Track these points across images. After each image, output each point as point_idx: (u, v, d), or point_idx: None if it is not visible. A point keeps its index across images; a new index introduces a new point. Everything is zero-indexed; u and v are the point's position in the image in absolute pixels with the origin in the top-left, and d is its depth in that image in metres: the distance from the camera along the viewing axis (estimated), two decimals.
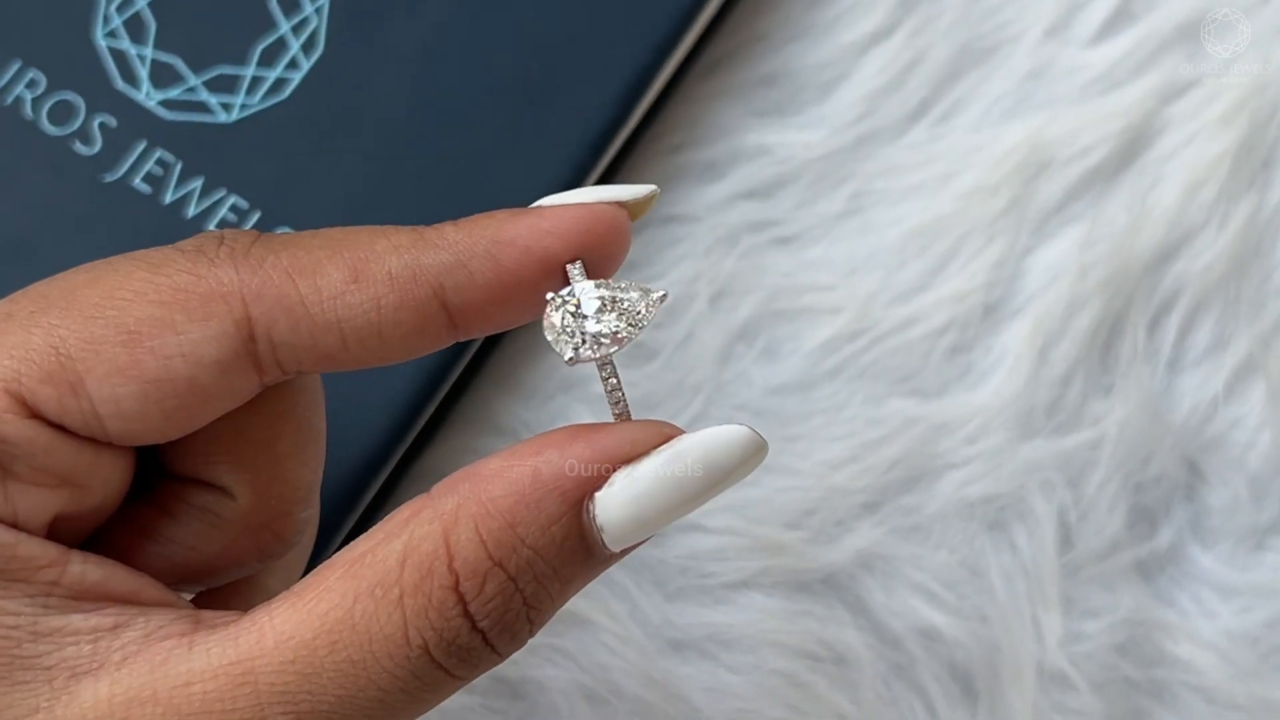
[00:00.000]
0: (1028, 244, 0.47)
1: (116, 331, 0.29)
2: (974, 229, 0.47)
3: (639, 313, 0.29)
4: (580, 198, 0.31)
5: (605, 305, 0.29)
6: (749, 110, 0.48)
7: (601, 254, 0.30)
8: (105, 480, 0.30)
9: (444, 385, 0.44)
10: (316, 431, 0.34)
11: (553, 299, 0.30)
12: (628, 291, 0.29)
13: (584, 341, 0.29)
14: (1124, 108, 0.47)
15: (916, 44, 0.48)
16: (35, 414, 0.29)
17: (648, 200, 0.31)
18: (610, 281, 0.30)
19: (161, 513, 0.32)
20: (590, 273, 0.30)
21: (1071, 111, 0.47)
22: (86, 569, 0.29)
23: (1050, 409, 0.46)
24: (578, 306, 0.29)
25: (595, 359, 0.29)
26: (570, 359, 0.29)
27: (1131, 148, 0.47)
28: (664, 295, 0.30)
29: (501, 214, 0.31)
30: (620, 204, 0.31)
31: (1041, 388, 0.46)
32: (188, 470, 0.32)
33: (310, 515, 0.34)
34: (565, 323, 0.29)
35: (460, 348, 0.43)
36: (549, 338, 0.29)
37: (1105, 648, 0.45)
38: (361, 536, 0.29)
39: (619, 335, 0.29)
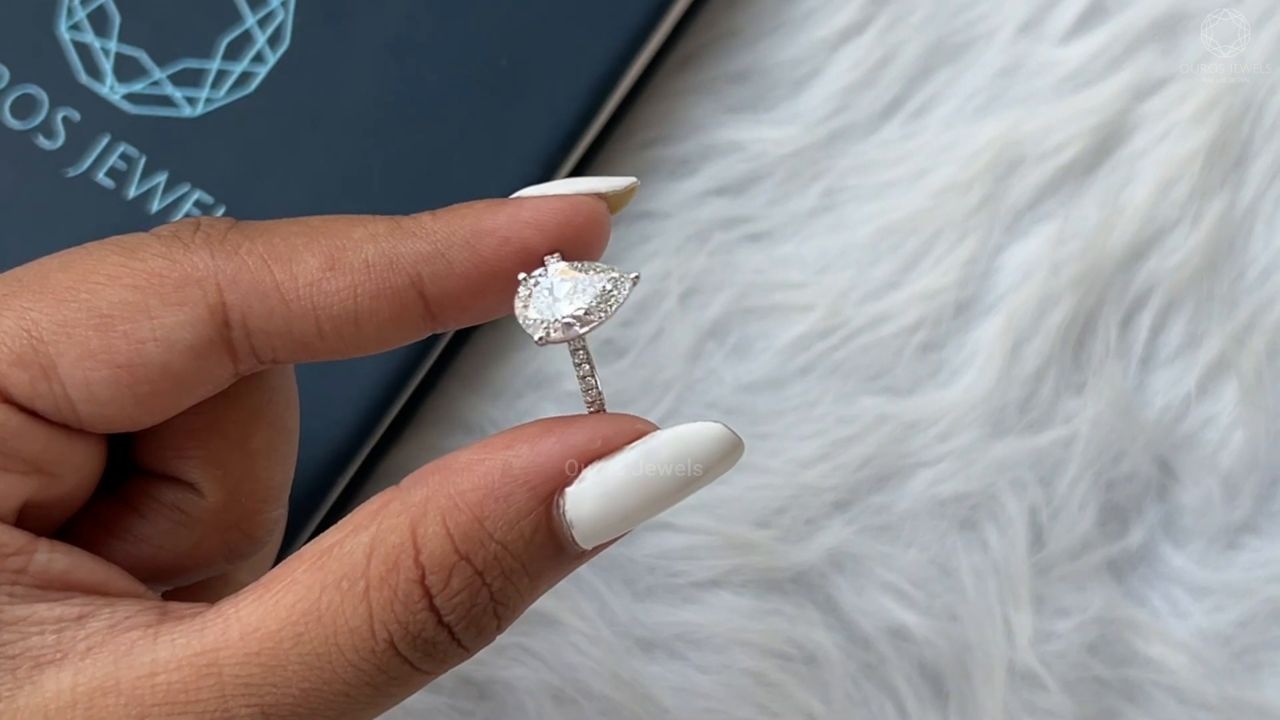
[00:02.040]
0: (1000, 241, 0.47)
1: (89, 315, 0.29)
2: (946, 226, 0.46)
3: (611, 294, 0.29)
4: (560, 189, 0.31)
5: (577, 287, 0.29)
6: (721, 106, 0.48)
7: (580, 246, 0.30)
8: (76, 468, 0.30)
9: (411, 383, 0.43)
10: (289, 430, 0.33)
11: (525, 279, 0.29)
12: (600, 273, 0.29)
13: (555, 322, 0.29)
14: (1097, 105, 0.47)
15: (889, 40, 0.48)
16: (6, 398, 0.28)
17: (628, 192, 0.31)
18: (584, 263, 0.30)
19: (130, 509, 0.32)
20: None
21: (1044, 108, 0.47)
22: (54, 557, 0.28)
23: (1022, 407, 0.46)
24: (550, 288, 0.29)
25: (566, 339, 0.29)
26: (541, 339, 0.29)
27: (1104, 145, 0.47)
28: (636, 277, 0.29)
29: (480, 204, 0.30)
30: (600, 196, 0.31)
31: (1013, 385, 0.46)
32: (158, 465, 0.32)
33: (280, 515, 0.34)
34: (536, 303, 0.29)
35: (427, 345, 0.43)
36: (519, 318, 0.29)
37: (1076, 647, 0.44)
38: (330, 529, 0.28)
39: (589, 316, 0.29)
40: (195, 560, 0.32)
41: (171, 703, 0.27)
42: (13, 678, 0.27)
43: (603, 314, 0.29)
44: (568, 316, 0.29)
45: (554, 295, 0.29)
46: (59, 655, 0.27)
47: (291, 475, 0.34)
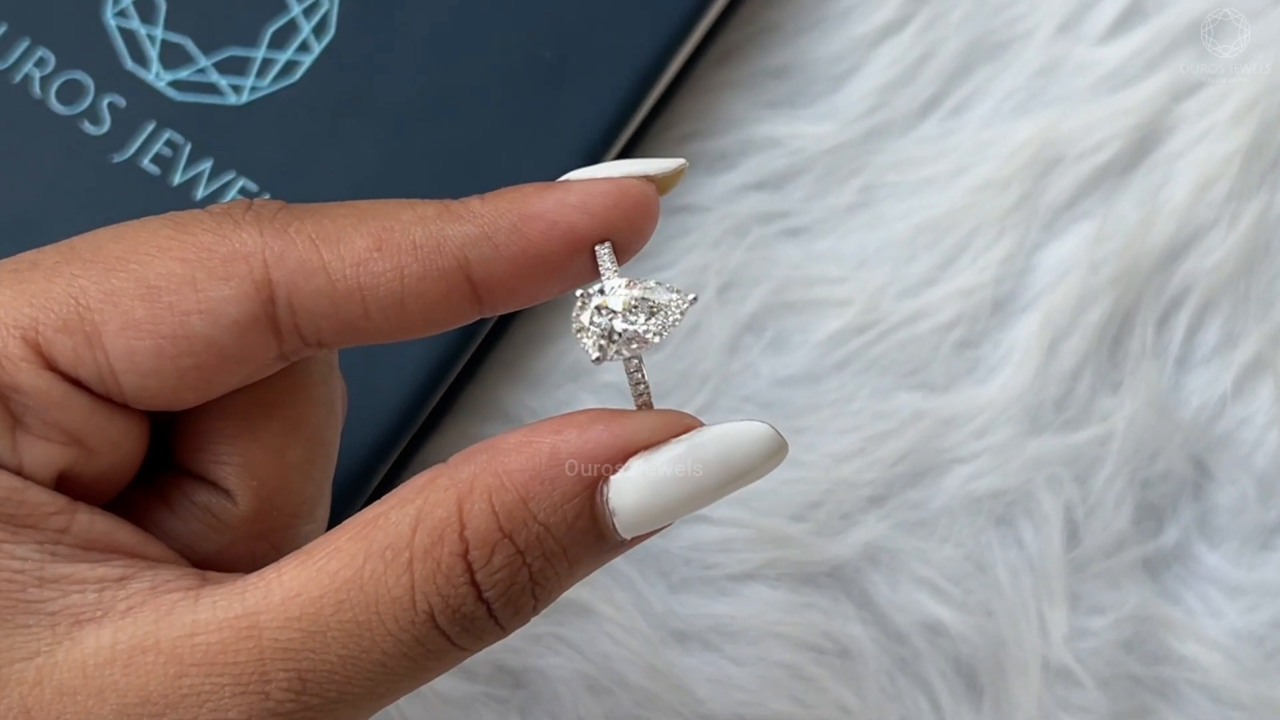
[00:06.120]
0: (1038, 239, 0.47)
1: (137, 285, 0.29)
2: (984, 224, 0.47)
3: (669, 315, 0.29)
4: (608, 172, 0.31)
5: (635, 305, 0.29)
6: (760, 101, 0.48)
7: (629, 229, 0.30)
8: (114, 445, 0.30)
9: (451, 372, 0.43)
10: (328, 446, 0.33)
11: (582, 295, 0.29)
12: (658, 292, 0.29)
13: (612, 341, 0.29)
14: (1135, 105, 0.47)
15: (928, 38, 0.48)
16: (51, 365, 0.29)
17: (676, 174, 0.31)
18: (641, 280, 0.29)
19: (164, 504, 0.32)
20: (619, 248, 0.30)
21: (1083, 108, 0.47)
22: (94, 520, 0.29)
23: (1058, 405, 0.46)
24: (607, 305, 0.29)
25: (621, 358, 0.29)
26: (597, 359, 0.29)
27: (1142, 145, 0.47)
28: (694, 298, 0.29)
29: (528, 188, 0.30)
30: (649, 178, 0.31)
31: (1050, 383, 0.46)
32: (195, 466, 0.32)
33: (312, 531, 0.34)
34: (594, 321, 0.29)
35: (468, 335, 0.43)
36: (576, 334, 0.29)
37: (1111, 644, 0.45)
38: (376, 501, 0.29)
39: (647, 337, 0.29)
40: (221, 566, 0.32)
41: (210, 663, 0.27)
42: (52, 633, 0.27)
43: (659, 334, 0.29)
44: (625, 336, 0.29)
45: (611, 312, 0.29)
46: (99, 613, 0.28)
47: (327, 493, 0.34)
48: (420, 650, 0.28)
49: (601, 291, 0.29)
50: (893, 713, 0.45)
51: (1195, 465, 0.46)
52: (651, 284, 0.29)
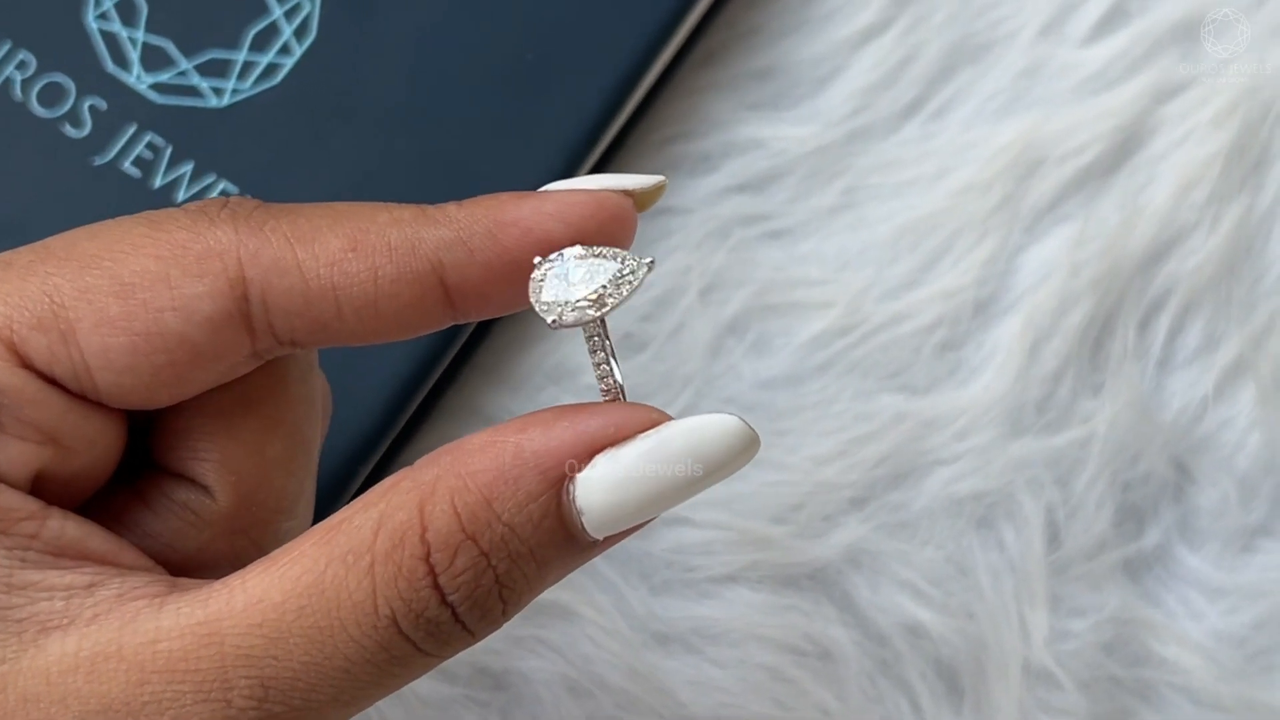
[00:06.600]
0: (1019, 242, 0.47)
1: (111, 282, 0.29)
2: (966, 226, 0.47)
3: (626, 278, 0.29)
4: (586, 184, 0.31)
5: (592, 271, 0.29)
6: (743, 103, 0.48)
7: (604, 239, 0.30)
8: (91, 443, 0.30)
9: (432, 376, 0.43)
10: (308, 443, 0.33)
11: (540, 263, 0.29)
12: (615, 258, 0.29)
13: (568, 305, 0.29)
14: (1117, 107, 0.47)
15: (911, 40, 0.48)
16: (26, 363, 0.29)
17: (656, 190, 0.31)
18: (599, 248, 0.29)
19: (142, 503, 0.32)
20: None
21: (1065, 110, 0.47)
22: (66, 526, 0.29)
23: (1040, 407, 0.46)
24: (565, 273, 0.29)
25: (579, 323, 0.29)
26: (553, 323, 0.29)
27: (1124, 147, 0.47)
28: (651, 262, 0.29)
29: (506, 196, 0.30)
30: (626, 193, 0.31)
31: (1031, 385, 0.46)
32: (174, 464, 0.32)
33: (293, 527, 0.33)
34: (550, 286, 0.29)
35: (448, 338, 0.43)
36: (532, 300, 0.29)
37: (1091, 647, 0.45)
38: (343, 507, 0.28)
39: (603, 299, 0.29)
40: (202, 564, 0.32)
41: (171, 670, 0.27)
42: (18, 641, 0.27)
43: (616, 297, 0.29)
44: (581, 300, 0.29)
45: (568, 280, 0.29)
46: (65, 621, 0.28)
47: (309, 490, 0.34)
48: (385, 656, 0.27)
49: (560, 257, 0.29)
50: (874, 715, 0.45)
51: (1176, 467, 0.46)
52: (609, 251, 0.29)
